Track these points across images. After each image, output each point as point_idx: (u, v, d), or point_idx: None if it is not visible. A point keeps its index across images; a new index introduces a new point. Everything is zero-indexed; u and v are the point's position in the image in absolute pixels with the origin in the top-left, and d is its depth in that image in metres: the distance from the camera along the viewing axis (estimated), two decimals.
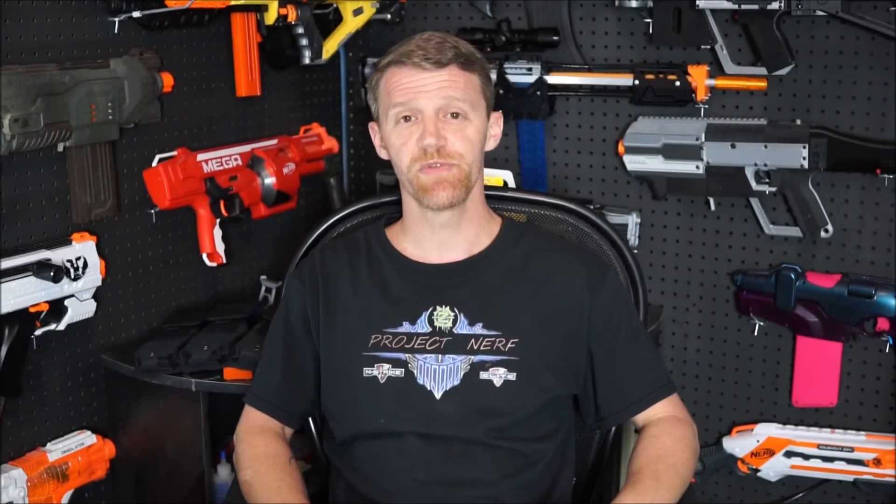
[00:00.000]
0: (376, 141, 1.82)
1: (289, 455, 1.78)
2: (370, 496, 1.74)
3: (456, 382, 1.71)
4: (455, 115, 1.71)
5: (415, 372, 1.72)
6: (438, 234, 1.77)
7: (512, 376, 1.70)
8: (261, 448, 1.77)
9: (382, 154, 1.81)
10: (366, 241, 1.84)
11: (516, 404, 1.71)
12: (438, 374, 1.71)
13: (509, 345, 1.72)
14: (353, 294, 1.79)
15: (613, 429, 1.92)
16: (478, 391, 1.70)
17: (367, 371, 1.73)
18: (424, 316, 1.74)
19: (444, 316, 1.74)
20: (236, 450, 1.81)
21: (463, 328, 1.73)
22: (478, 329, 1.73)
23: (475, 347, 1.71)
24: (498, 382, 1.71)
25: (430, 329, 1.74)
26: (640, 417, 1.79)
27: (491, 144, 1.80)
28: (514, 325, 1.73)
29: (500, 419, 1.71)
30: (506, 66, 2.75)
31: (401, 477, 1.72)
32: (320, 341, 1.79)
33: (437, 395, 1.70)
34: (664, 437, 1.73)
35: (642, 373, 1.79)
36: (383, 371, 1.72)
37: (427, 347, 1.73)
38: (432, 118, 1.69)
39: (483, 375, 1.71)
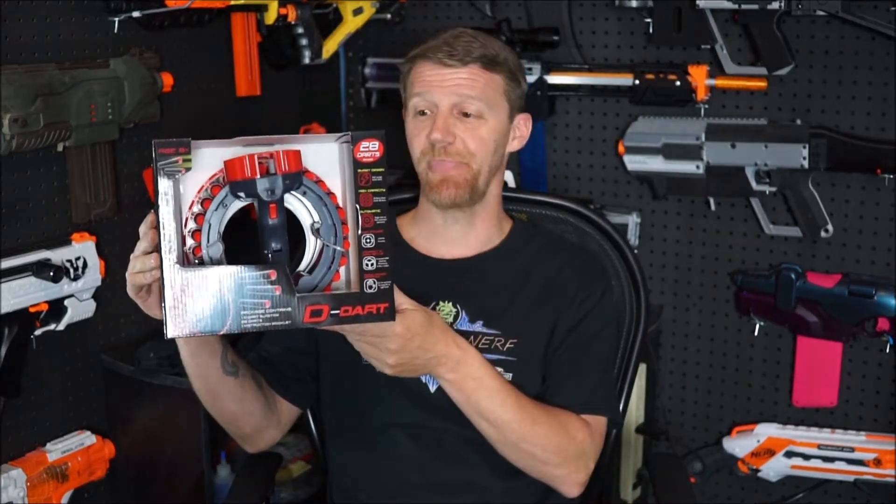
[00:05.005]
0: None
1: (250, 374, 1.70)
2: (365, 500, 1.75)
3: None
4: (467, 115, 1.70)
5: None
6: (450, 230, 1.77)
7: (508, 376, 1.69)
8: None
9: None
10: None
11: None
12: None
13: (508, 345, 1.71)
14: None
15: (614, 431, 1.91)
16: None
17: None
18: None
19: (445, 311, 1.73)
20: None
21: (463, 325, 1.73)
22: (478, 327, 1.72)
23: (473, 345, 1.70)
24: None
25: None
26: None
27: (515, 146, 1.79)
28: (514, 326, 1.72)
29: None
30: None
31: (394, 481, 1.72)
32: None
33: (432, 389, 1.69)
34: (570, 417, 1.67)
35: (578, 381, 1.72)
36: None
37: None
38: (444, 114, 1.69)
39: None
